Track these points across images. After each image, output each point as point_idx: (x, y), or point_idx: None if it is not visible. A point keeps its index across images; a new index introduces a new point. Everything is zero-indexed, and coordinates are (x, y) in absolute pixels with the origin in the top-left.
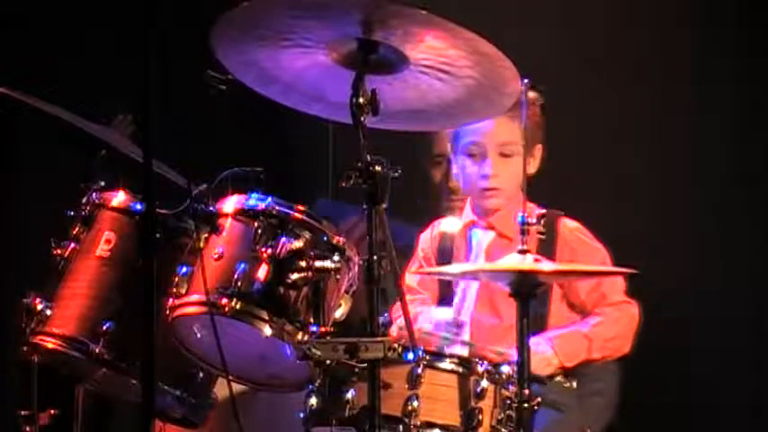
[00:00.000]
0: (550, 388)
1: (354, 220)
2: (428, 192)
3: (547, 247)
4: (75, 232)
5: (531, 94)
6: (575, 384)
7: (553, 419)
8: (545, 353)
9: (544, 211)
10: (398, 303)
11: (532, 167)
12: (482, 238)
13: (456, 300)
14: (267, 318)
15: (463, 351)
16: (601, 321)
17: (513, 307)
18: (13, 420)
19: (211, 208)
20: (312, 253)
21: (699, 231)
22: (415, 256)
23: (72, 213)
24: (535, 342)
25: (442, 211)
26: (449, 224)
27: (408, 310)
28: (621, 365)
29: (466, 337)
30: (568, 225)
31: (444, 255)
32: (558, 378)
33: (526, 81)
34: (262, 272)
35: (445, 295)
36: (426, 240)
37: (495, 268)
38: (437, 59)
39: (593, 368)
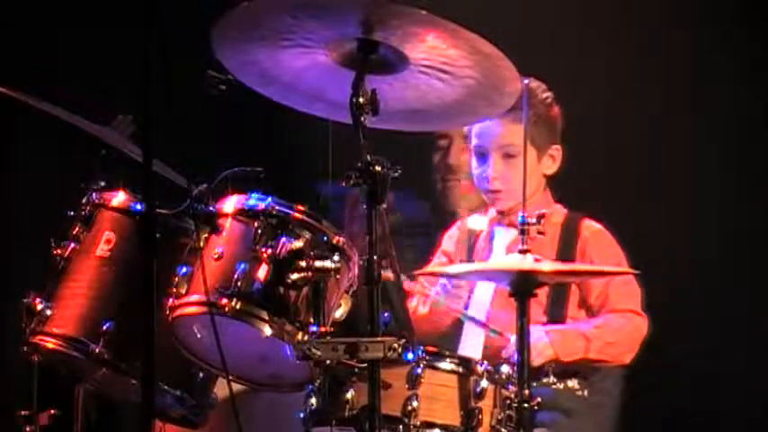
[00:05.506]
0: (563, 394)
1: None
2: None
3: (568, 249)
4: (75, 232)
5: (545, 95)
6: (586, 393)
7: (561, 423)
8: (539, 341)
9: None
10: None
11: (551, 168)
12: (504, 236)
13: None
14: (267, 318)
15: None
16: (602, 324)
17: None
18: (13, 420)
19: (211, 208)
20: (312, 253)
21: (698, 231)
22: (437, 253)
23: (72, 213)
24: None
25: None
26: (474, 222)
27: (408, 309)
28: (623, 371)
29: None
30: (591, 227)
31: (469, 252)
32: (572, 384)
33: (526, 81)
34: (262, 272)
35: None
36: (449, 240)
37: (495, 268)
38: (437, 59)
39: (598, 375)
